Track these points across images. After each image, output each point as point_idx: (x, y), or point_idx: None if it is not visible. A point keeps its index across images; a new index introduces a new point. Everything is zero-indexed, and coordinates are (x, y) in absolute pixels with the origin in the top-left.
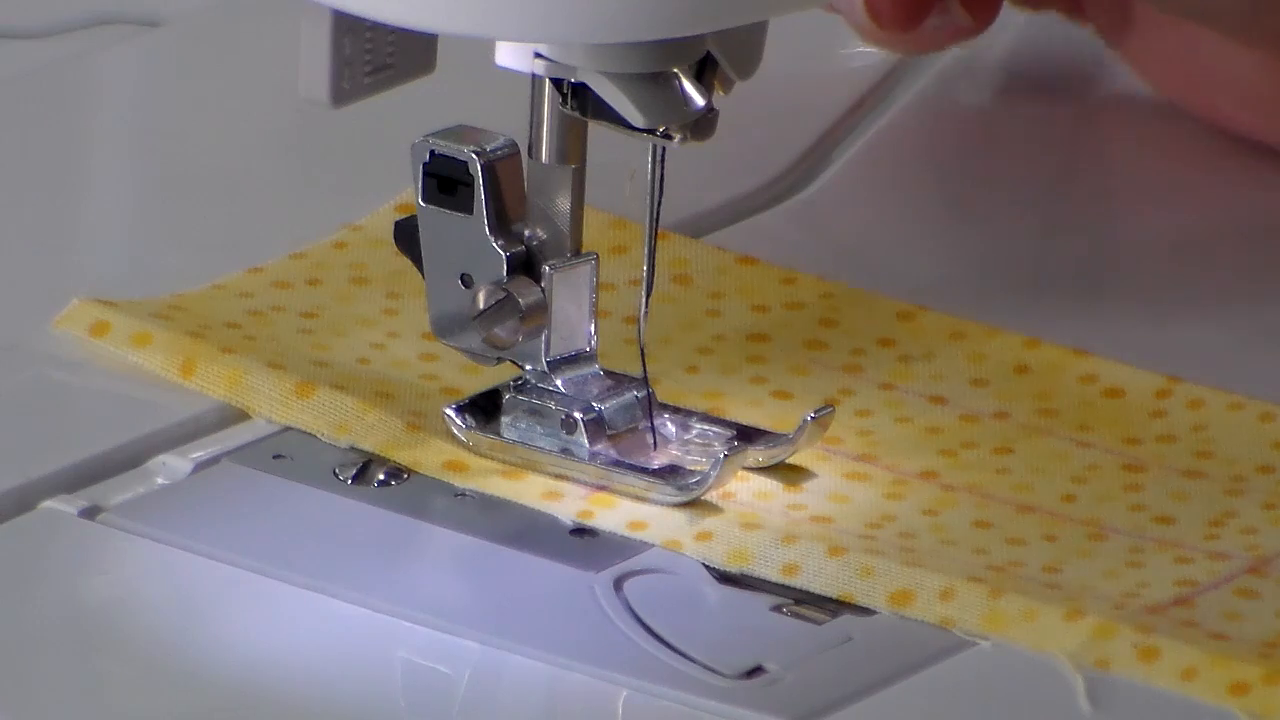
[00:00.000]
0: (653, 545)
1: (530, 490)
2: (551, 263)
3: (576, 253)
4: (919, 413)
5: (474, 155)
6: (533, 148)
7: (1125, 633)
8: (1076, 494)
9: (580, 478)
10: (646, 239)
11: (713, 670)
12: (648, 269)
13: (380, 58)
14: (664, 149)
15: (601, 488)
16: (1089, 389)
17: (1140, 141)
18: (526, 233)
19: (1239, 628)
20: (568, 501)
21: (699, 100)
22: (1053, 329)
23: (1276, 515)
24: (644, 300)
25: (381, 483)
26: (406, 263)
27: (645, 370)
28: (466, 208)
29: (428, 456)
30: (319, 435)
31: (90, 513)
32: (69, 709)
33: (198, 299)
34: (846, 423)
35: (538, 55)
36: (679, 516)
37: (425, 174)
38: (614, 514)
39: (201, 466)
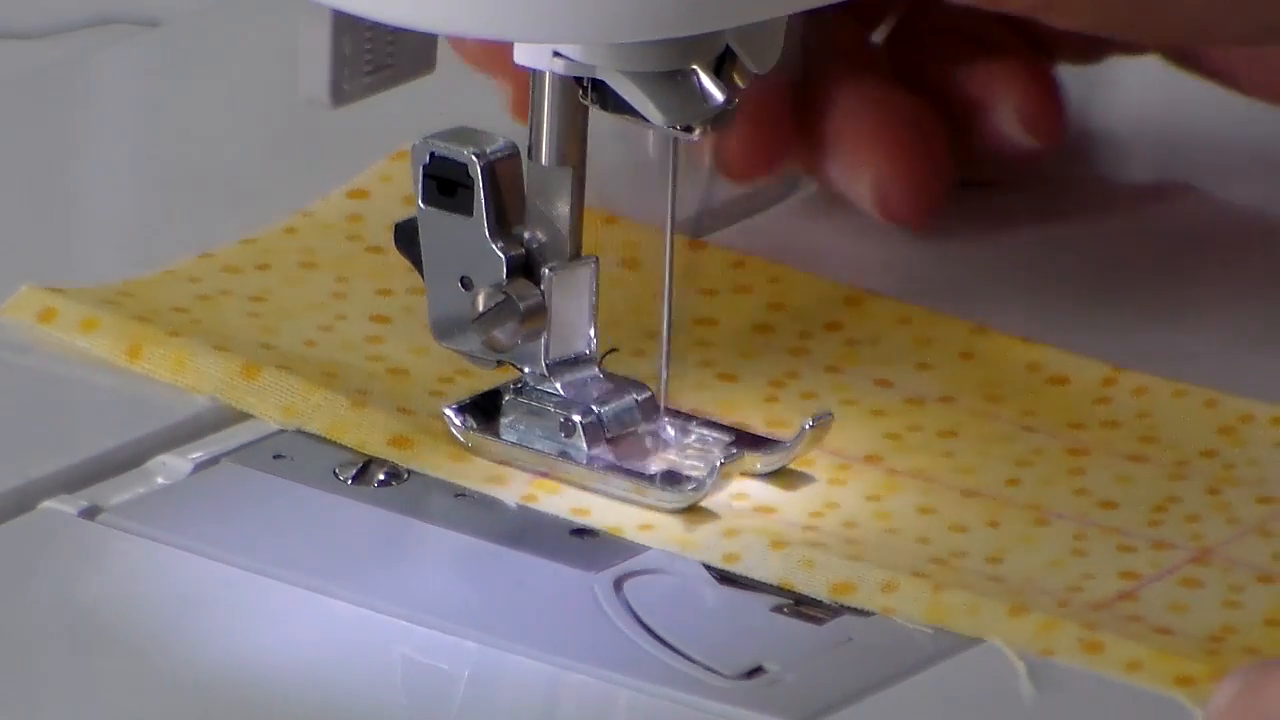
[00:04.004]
0: (651, 546)
1: (474, 473)
2: (551, 265)
3: (576, 255)
4: (864, 395)
5: (474, 157)
6: (532, 150)
7: (1069, 629)
8: (1020, 477)
9: (578, 481)
10: (667, 235)
11: (713, 670)
12: (668, 269)
13: (380, 58)
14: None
15: (595, 489)
16: (1034, 376)
17: (1135, 141)
18: (526, 235)
19: (1184, 620)
20: (511, 486)
21: (718, 96)
22: (1053, 330)
23: (1219, 501)
24: (666, 302)
25: (381, 483)
26: (357, 247)
27: (667, 369)
28: (466, 210)
29: (373, 436)
30: (266, 419)
31: (90, 513)
32: (67, 709)
33: (147, 285)
34: (793, 405)
35: (556, 54)
36: (624, 505)
37: (425, 176)
38: (557, 499)
39: (201, 467)
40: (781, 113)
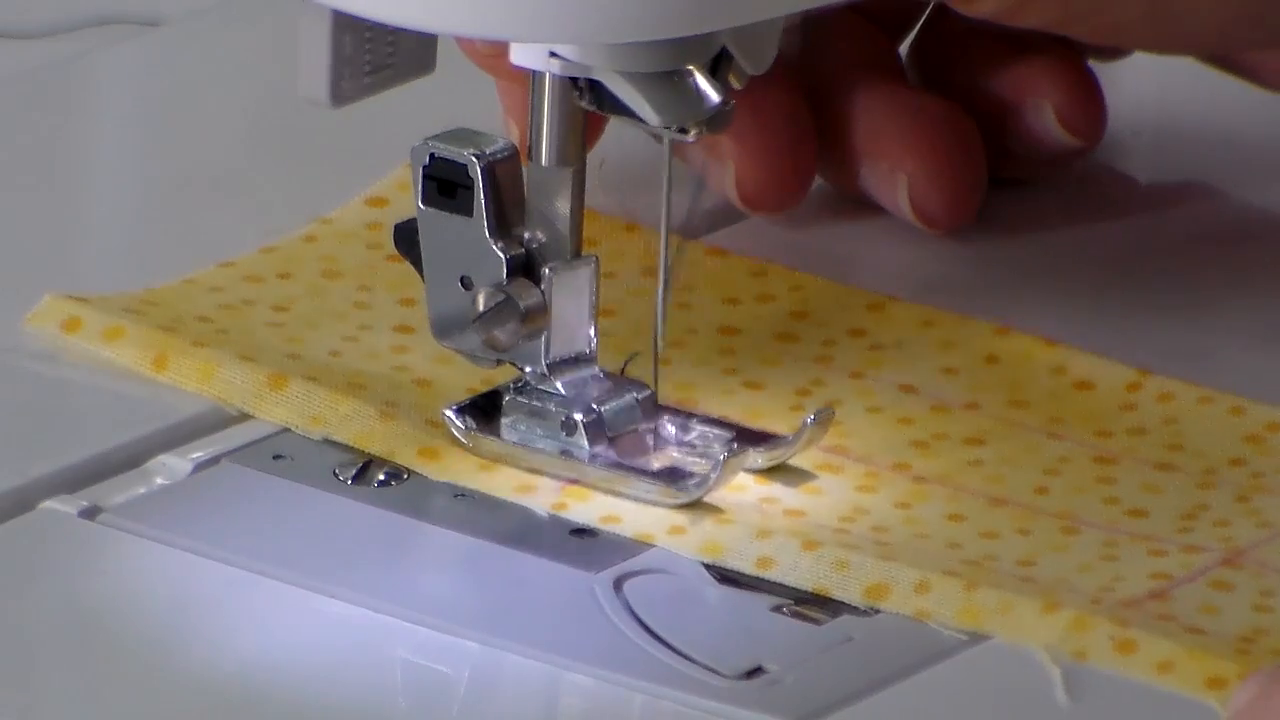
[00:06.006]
0: (652, 546)
1: (504, 483)
2: (551, 265)
3: (576, 255)
4: (890, 402)
5: (474, 158)
6: (532, 150)
7: (1102, 626)
8: (1049, 486)
9: (579, 479)
10: (662, 236)
11: (713, 670)
12: (663, 269)
13: (380, 58)
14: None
15: (597, 488)
16: (1059, 381)
17: (1157, 141)
18: (526, 235)
19: (1215, 621)
20: (541, 494)
21: (714, 97)
22: (1076, 330)
23: (1249, 507)
24: (660, 300)
25: (381, 483)
26: (377, 255)
27: (657, 363)
28: (466, 210)
29: (402, 447)
30: (293, 428)
31: (90, 513)
32: (69, 709)
33: (169, 294)
34: None
35: (553, 54)
36: (654, 510)
37: (425, 177)
38: (588, 506)
39: (201, 466)
40: (803, 142)
